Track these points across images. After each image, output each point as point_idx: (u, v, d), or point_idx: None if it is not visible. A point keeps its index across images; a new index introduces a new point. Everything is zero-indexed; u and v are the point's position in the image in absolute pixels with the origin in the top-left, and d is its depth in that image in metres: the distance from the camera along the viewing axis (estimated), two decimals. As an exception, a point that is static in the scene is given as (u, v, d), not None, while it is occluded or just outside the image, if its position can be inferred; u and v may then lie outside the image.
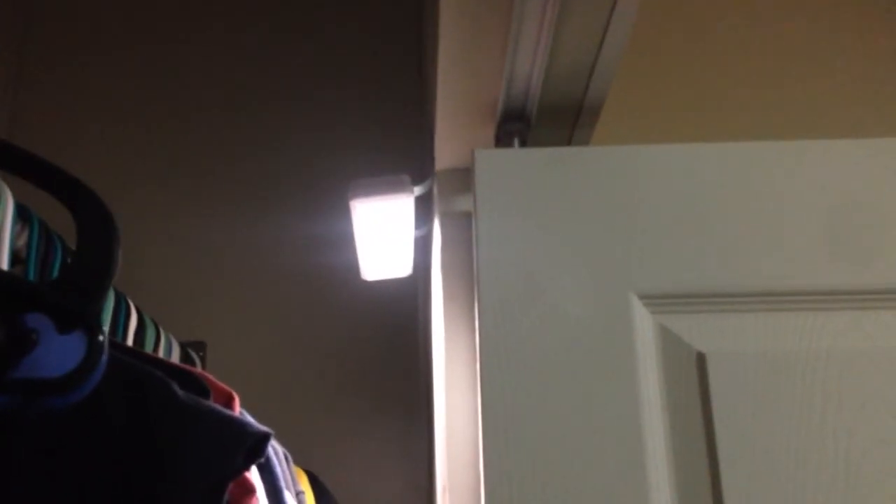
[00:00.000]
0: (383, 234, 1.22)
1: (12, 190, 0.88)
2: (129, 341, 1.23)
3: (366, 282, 1.49)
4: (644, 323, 0.88)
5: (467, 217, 1.09)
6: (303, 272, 1.92)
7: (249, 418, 0.81)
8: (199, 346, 1.99)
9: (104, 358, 0.55)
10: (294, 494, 1.13)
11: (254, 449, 0.71)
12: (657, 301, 0.89)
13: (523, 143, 1.00)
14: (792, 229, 0.90)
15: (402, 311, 1.89)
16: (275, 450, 1.07)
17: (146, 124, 2.12)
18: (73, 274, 0.55)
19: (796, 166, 0.92)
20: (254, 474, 0.84)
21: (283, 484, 0.95)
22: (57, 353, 0.54)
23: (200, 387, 0.78)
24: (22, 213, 0.93)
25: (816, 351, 0.85)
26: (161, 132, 2.11)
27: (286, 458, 1.19)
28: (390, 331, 1.91)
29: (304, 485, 1.45)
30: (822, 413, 0.83)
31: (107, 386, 0.65)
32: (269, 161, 2.02)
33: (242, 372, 1.93)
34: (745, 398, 0.85)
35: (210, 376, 0.82)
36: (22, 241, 0.92)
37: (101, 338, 0.53)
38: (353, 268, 1.44)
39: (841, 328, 0.86)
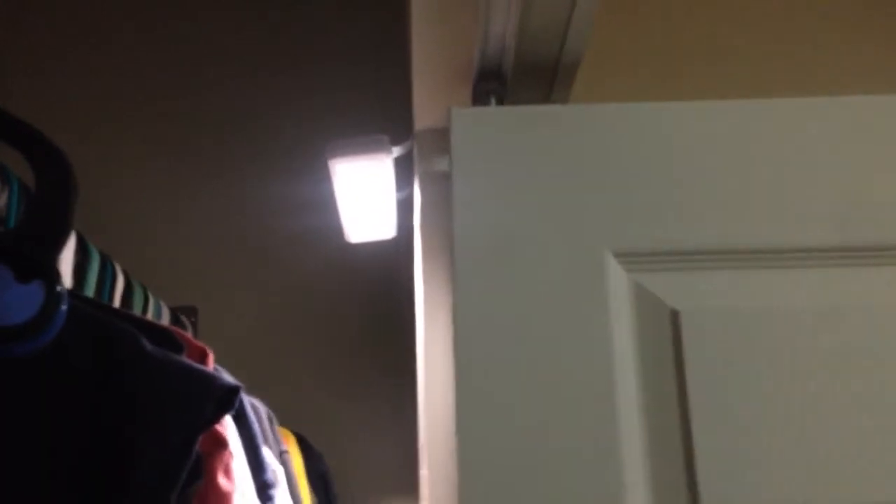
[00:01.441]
0: (365, 195, 1.22)
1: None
2: (116, 304, 1.23)
3: (352, 244, 1.49)
4: (619, 280, 0.88)
5: (446, 177, 1.08)
6: (290, 236, 1.92)
7: (223, 372, 0.82)
8: (191, 312, 2.00)
9: (63, 307, 0.55)
10: (277, 453, 1.14)
11: (223, 401, 0.71)
12: (632, 259, 0.89)
13: (500, 103, 0.99)
14: (764, 189, 0.89)
15: (388, 273, 1.89)
16: (255, 408, 1.08)
17: (129, 90, 2.12)
18: (30, 225, 0.55)
19: (770, 125, 0.92)
20: (230, 430, 0.85)
21: (260, 440, 0.96)
22: (17, 302, 0.54)
23: (174, 342, 0.78)
24: (1, 174, 0.93)
25: (787, 308, 0.86)
26: (144, 98, 2.10)
27: (270, 419, 1.20)
28: (379, 293, 1.92)
29: (291, 445, 1.47)
30: (792, 369, 0.84)
31: (73, 338, 0.65)
32: (253, 124, 2.01)
33: (233, 336, 1.94)
34: (718, 353, 0.85)
35: (184, 332, 0.83)
36: (2, 202, 0.92)
37: (59, 288, 0.53)
38: (340, 230, 1.44)
39: (812, 286, 0.87)
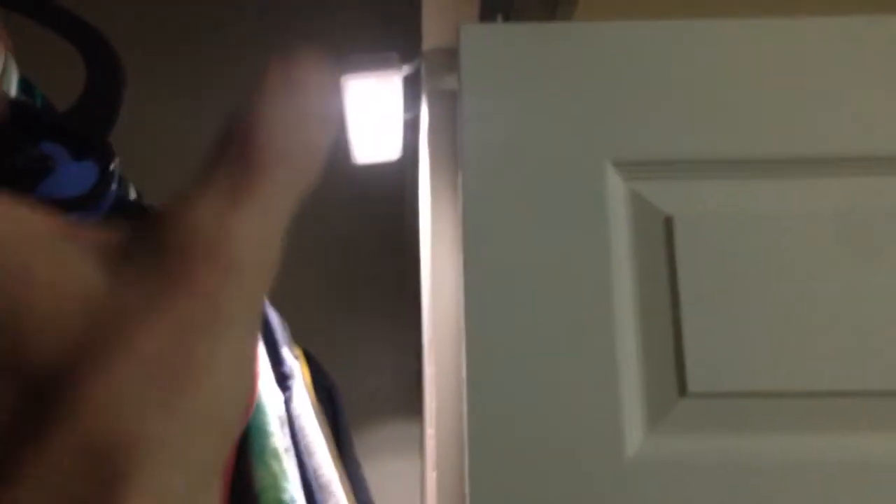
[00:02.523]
0: (373, 112, 1.26)
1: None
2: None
3: (356, 166, 1.54)
4: (617, 188, 0.94)
5: (453, 96, 1.13)
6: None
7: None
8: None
9: (114, 186, 0.60)
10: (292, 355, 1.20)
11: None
12: (630, 168, 0.94)
13: (507, 20, 1.04)
14: (759, 100, 0.95)
15: (392, 195, 1.93)
16: (272, 312, 1.14)
17: (137, 17, 2.12)
18: (83, 108, 0.60)
19: (762, 43, 0.97)
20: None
21: (279, 337, 1.02)
22: (72, 179, 0.59)
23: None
24: (25, 88, 0.97)
25: (775, 214, 0.92)
26: (151, 23, 2.11)
27: (283, 325, 1.26)
28: (382, 218, 1.96)
29: (300, 356, 1.53)
30: (778, 270, 0.90)
31: (112, 221, 0.71)
32: (259, 42, 2.03)
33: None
34: (708, 256, 0.91)
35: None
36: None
37: (111, 166, 0.59)
38: (343, 152, 1.48)
39: (798, 194, 0.92)
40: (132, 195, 1.30)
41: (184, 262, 0.18)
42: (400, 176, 1.85)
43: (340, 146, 1.45)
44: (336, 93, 0.22)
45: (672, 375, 0.88)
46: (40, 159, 0.58)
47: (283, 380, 0.98)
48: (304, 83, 0.20)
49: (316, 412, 1.46)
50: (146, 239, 0.18)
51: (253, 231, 0.19)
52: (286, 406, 0.95)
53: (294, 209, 0.20)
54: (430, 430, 1.08)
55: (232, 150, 0.19)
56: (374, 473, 2.07)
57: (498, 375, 0.89)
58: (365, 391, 2.08)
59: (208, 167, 0.19)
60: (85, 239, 0.18)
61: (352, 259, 2.02)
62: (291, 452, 0.90)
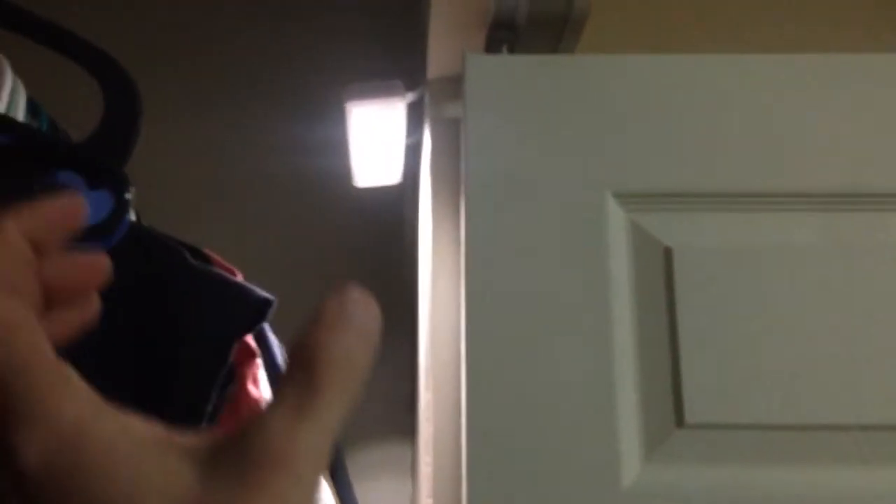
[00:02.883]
0: (376, 138, 1.27)
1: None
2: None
3: (356, 190, 1.55)
4: (617, 219, 0.95)
5: (456, 124, 1.14)
6: (295, 179, 1.96)
7: (256, 287, 0.87)
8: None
9: (129, 214, 0.61)
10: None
11: (258, 313, 0.78)
12: (630, 199, 0.96)
13: (511, 51, 1.05)
14: (758, 135, 0.96)
15: (390, 220, 1.94)
16: (272, 337, 1.14)
17: (137, 29, 2.13)
18: (100, 137, 0.61)
19: (762, 78, 0.98)
20: (254, 345, 0.92)
21: (279, 359, 1.02)
22: (89, 207, 0.60)
23: (207, 261, 0.85)
24: (32, 109, 0.98)
25: (774, 247, 0.93)
26: (153, 36, 2.12)
27: (281, 349, 1.27)
28: (378, 240, 1.97)
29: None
30: (775, 302, 0.91)
31: (125, 247, 0.72)
32: (264, 68, 2.04)
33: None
34: (707, 289, 0.92)
35: (214, 254, 0.89)
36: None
37: (126, 195, 0.60)
38: (344, 176, 1.49)
39: (797, 227, 0.94)
40: (132, 216, 1.31)
41: (260, 471, 0.22)
42: (399, 200, 1.86)
43: (342, 170, 1.46)
44: (378, 320, 0.27)
45: (669, 406, 0.89)
46: (56, 188, 0.59)
47: (283, 403, 0.99)
48: (356, 316, 0.26)
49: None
50: (229, 447, 0.23)
51: (314, 442, 0.23)
52: (286, 430, 0.95)
53: (341, 422, 0.24)
54: (426, 458, 1.09)
55: (298, 374, 0.24)
56: (366, 494, 2.08)
57: (497, 403, 0.90)
58: (357, 412, 2.07)
59: (281, 385, 0.24)
60: (181, 445, 0.23)
61: (348, 279, 2.02)
62: (291, 477, 0.90)
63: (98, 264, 0.28)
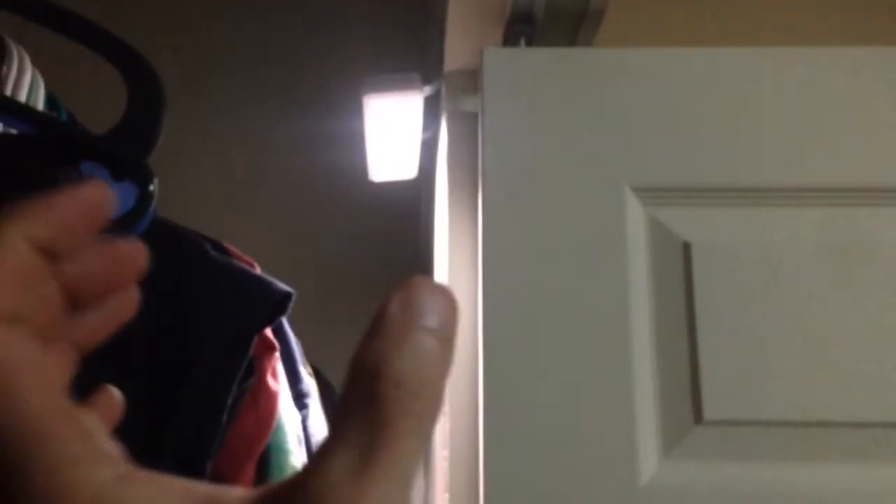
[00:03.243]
0: (393, 132, 1.27)
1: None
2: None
3: (372, 184, 1.55)
4: (636, 214, 0.95)
5: (473, 117, 1.14)
6: (312, 173, 1.96)
7: (276, 280, 0.88)
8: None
9: (153, 206, 0.61)
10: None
11: (278, 305, 0.78)
12: (649, 194, 0.95)
13: (529, 45, 1.05)
14: (776, 129, 0.96)
15: (406, 215, 1.94)
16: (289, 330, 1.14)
17: (154, 24, 2.13)
18: (123, 129, 0.61)
19: (784, 70, 0.98)
20: (273, 338, 0.92)
21: (297, 354, 1.02)
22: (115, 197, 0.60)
23: (227, 254, 0.85)
24: (51, 103, 0.98)
25: (792, 243, 0.92)
26: (170, 31, 2.12)
27: (297, 342, 1.27)
28: (394, 235, 1.97)
29: (311, 373, 1.54)
30: (794, 298, 0.91)
31: (147, 239, 0.72)
32: (280, 61, 2.04)
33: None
34: (725, 284, 0.92)
35: (233, 248, 0.89)
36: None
37: (151, 187, 0.60)
38: (360, 170, 1.49)
39: (816, 223, 0.93)
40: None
41: None
42: (415, 194, 1.86)
43: (358, 164, 1.46)
44: (456, 313, 0.21)
45: (688, 402, 0.89)
46: (80, 179, 0.59)
47: (300, 398, 0.99)
48: (427, 315, 0.20)
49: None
50: (284, 500, 0.18)
51: (385, 493, 0.18)
52: (303, 424, 0.95)
53: (422, 457, 0.19)
54: (443, 453, 1.09)
55: (360, 406, 0.19)
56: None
57: (514, 398, 0.89)
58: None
59: (339, 421, 0.19)
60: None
61: (363, 274, 2.02)
62: (309, 470, 0.90)
63: (134, 253, 0.25)
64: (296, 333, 1.40)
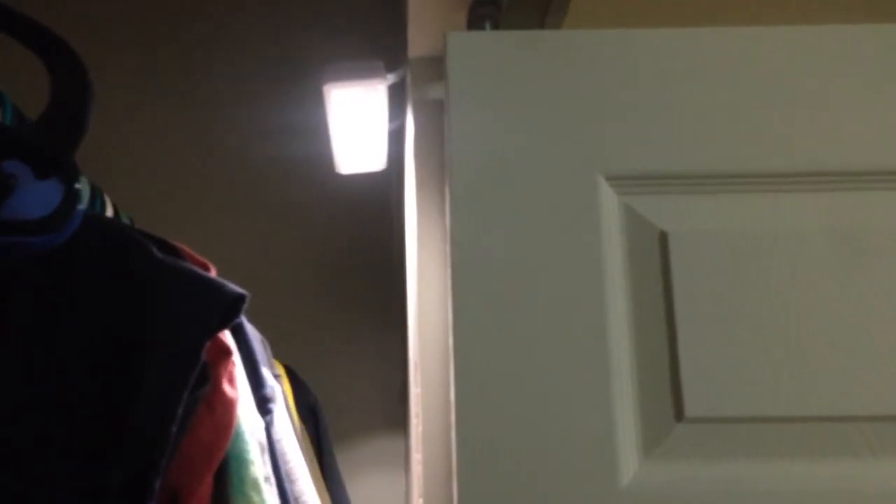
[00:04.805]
0: (357, 122, 1.22)
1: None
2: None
3: (340, 177, 1.50)
4: (610, 203, 0.91)
5: (440, 106, 1.10)
6: (276, 167, 1.91)
7: (228, 283, 0.83)
8: (176, 250, 2.00)
9: (81, 205, 0.56)
10: (272, 375, 1.16)
11: (230, 309, 0.73)
12: (623, 182, 0.91)
13: (495, 28, 1.00)
14: (752, 114, 0.92)
15: (377, 207, 1.90)
16: (252, 332, 1.10)
17: (105, 13, 2.07)
18: (48, 124, 0.57)
19: (757, 53, 0.94)
20: (231, 342, 0.87)
21: (259, 357, 0.98)
22: (36, 198, 0.55)
23: (178, 255, 0.80)
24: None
25: (773, 231, 0.89)
26: (126, 25, 2.06)
27: (263, 343, 1.22)
28: (366, 228, 1.93)
29: (282, 373, 1.49)
30: (777, 288, 0.87)
31: (86, 243, 0.67)
32: (241, 49, 1.98)
33: (220, 272, 1.94)
34: (704, 274, 0.88)
35: (186, 248, 0.84)
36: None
37: (77, 185, 0.55)
38: (327, 162, 1.44)
39: (796, 209, 0.89)
40: (124, 220, 1.26)
41: None
42: (385, 186, 1.82)
43: (325, 156, 1.41)
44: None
45: (668, 399, 0.85)
46: (2, 178, 0.54)
47: (263, 403, 0.94)
48: None
49: (299, 431, 1.42)
50: None
51: None
52: (267, 431, 0.91)
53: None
54: (417, 456, 1.05)
55: None
56: (360, 487, 2.04)
57: (487, 400, 0.85)
58: (350, 403, 2.04)
59: None
60: None
61: (336, 270, 1.98)
62: (272, 480, 0.86)
63: None
64: (263, 330, 1.36)
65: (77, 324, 0.66)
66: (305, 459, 1.10)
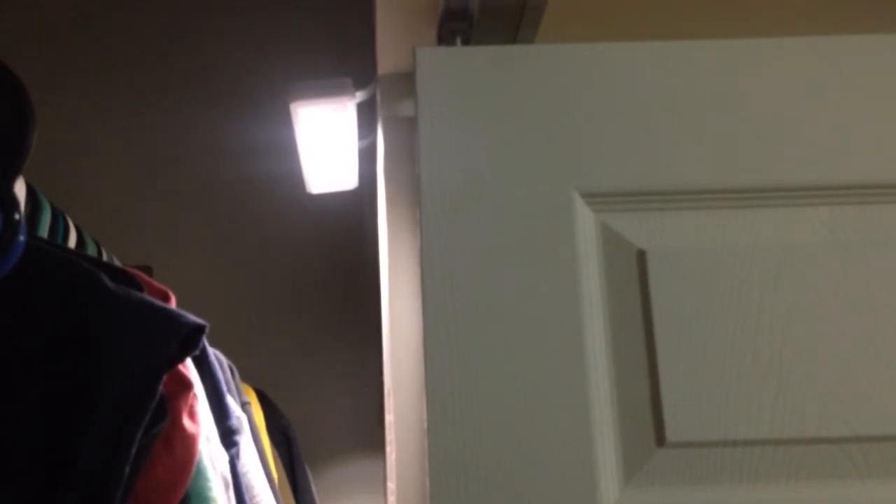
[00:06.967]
0: (326, 141, 1.19)
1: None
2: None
3: (312, 196, 1.47)
4: (586, 221, 0.88)
5: (410, 122, 1.07)
6: (248, 186, 1.87)
7: (187, 313, 0.79)
8: (146, 272, 1.96)
9: (22, 237, 0.53)
10: (239, 404, 1.12)
11: (188, 340, 0.70)
12: (599, 199, 0.89)
13: (466, 43, 0.98)
14: (729, 129, 0.90)
15: (350, 227, 1.87)
16: (218, 359, 1.06)
17: (79, 34, 2.03)
18: (-16, 150, 0.53)
19: (734, 66, 0.92)
20: (193, 374, 0.84)
21: (224, 388, 0.94)
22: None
23: (134, 284, 0.76)
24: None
25: (753, 247, 0.86)
26: (95, 42, 2.02)
27: (231, 370, 1.19)
28: (339, 248, 1.89)
29: (252, 400, 1.45)
30: (758, 307, 0.85)
31: (30, 276, 0.63)
32: (209, 67, 1.95)
33: (189, 293, 1.90)
34: (684, 293, 0.85)
35: (144, 275, 0.81)
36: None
37: (16, 216, 0.51)
38: (299, 182, 1.41)
39: (776, 225, 0.87)
40: (89, 243, 1.21)
41: None
42: (358, 205, 1.78)
43: (295, 176, 1.38)
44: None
45: (649, 424, 0.82)
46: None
47: (228, 435, 0.90)
48: None
49: (270, 456, 1.38)
50: None
51: None
52: (232, 465, 0.87)
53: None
54: (391, 485, 1.01)
55: None
56: (337, 509, 1.99)
57: (461, 426, 0.82)
58: (327, 425, 2.00)
59: None
60: None
61: (310, 291, 1.94)
62: (237, 516, 0.82)
63: None
64: (232, 353, 1.32)
65: (22, 361, 0.62)
66: (274, 488, 1.06)
